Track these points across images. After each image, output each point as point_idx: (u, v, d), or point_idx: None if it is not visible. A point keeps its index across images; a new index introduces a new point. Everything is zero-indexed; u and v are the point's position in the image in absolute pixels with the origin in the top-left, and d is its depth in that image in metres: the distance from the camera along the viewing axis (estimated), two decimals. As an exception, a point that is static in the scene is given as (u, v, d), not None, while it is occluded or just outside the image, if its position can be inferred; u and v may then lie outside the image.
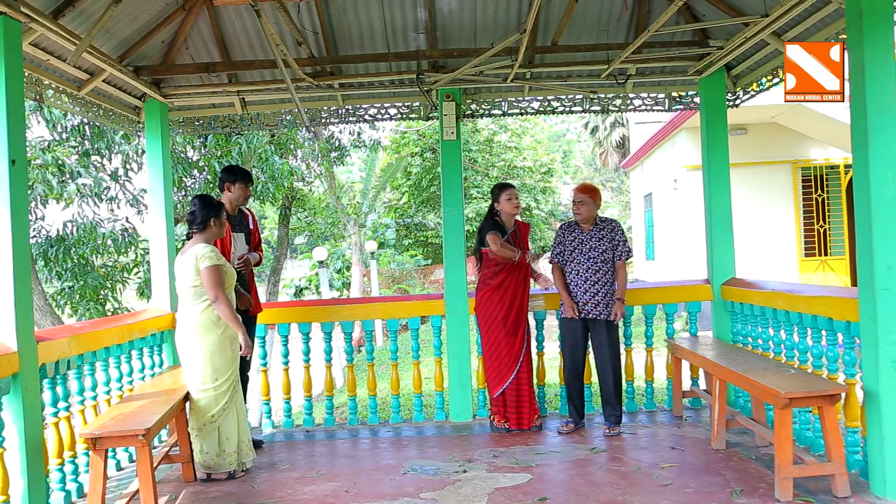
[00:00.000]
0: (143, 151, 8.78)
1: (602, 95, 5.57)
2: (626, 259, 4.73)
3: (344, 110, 5.67)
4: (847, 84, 3.46)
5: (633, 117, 20.19)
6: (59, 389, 3.69)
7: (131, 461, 4.42)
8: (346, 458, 4.49)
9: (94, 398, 4.12)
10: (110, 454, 3.92)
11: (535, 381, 4.98)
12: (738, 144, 11.15)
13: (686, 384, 5.24)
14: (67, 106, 4.60)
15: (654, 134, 15.36)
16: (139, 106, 5.28)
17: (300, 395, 5.44)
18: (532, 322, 5.04)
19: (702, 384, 5.15)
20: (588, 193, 4.69)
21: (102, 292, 9.81)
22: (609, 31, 5.11)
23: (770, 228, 12.73)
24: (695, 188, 12.03)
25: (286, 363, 5.24)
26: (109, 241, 9.72)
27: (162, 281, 5.12)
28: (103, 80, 4.68)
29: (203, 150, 11.21)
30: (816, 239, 12.95)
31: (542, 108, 5.63)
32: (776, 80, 4.90)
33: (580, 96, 5.56)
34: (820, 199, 12.97)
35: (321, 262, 17.97)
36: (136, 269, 10.50)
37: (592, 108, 5.67)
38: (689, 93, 5.58)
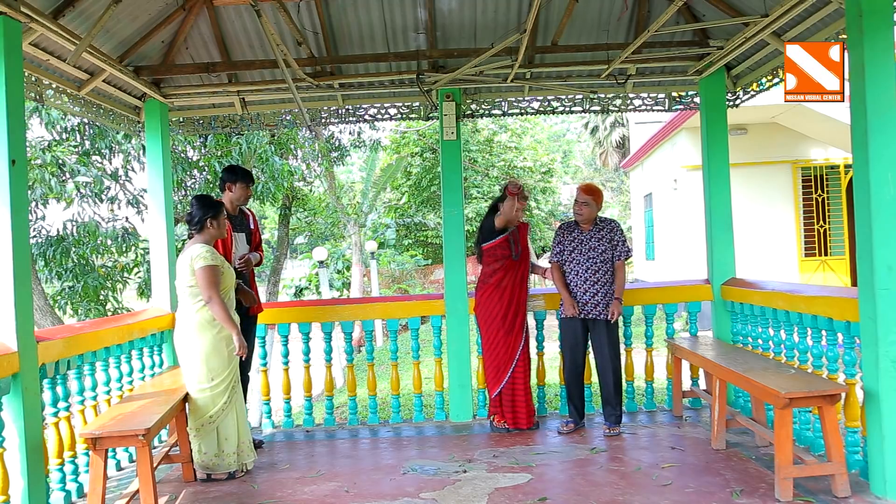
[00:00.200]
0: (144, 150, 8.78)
1: (602, 95, 5.57)
2: (626, 259, 4.73)
3: (344, 110, 5.66)
4: (847, 84, 3.45)
5: (633, 117, 20.19)
6: (59, 389, 3.69)
7: (131, 461, 4.42)
8: (346, 458, 4.50)
9: (94, 398, 4.13)
10: (110, 454, 3.92)
11: (533, 381, 4.98)
12: (738, 144, 11.15)
13: (686, 384, 5.24)
14: (67, 106, 4.60)
15: (654, 134, 15.36)
16: (139, 106, 5.28)
17: (300, 395, 5.44)
18: (532, 322, 5.04)
19: (702, 384, 5.15)
20: (592, 195, 4.69)
21: (102, 292, 9.82)
22: (609, 31, 5.11)
23: (770, 228, 12.73)
24: (695, 188, 12.03)
25: (286, 363, 5.24)
26: (109, 241, 9.73)
27: (162, 281, 5.12)
28: (103, 80, 4.68)
29: (203, 150, 11.22)
30: (816, 239, 12.95)
31: (542, 108, 5.63)
32: (776, 80, 4.90)
33: (580, 96, 5.56)
34: (820, 199, 12.97)
35: (321, 262, 17.96)
36: (136, 269, 10.50)
37: (592, 108, 5.67)
38: (689, 93, 5.58)
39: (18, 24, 3.35)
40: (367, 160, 23.60)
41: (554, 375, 5.69)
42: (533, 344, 5.02)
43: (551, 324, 5.34)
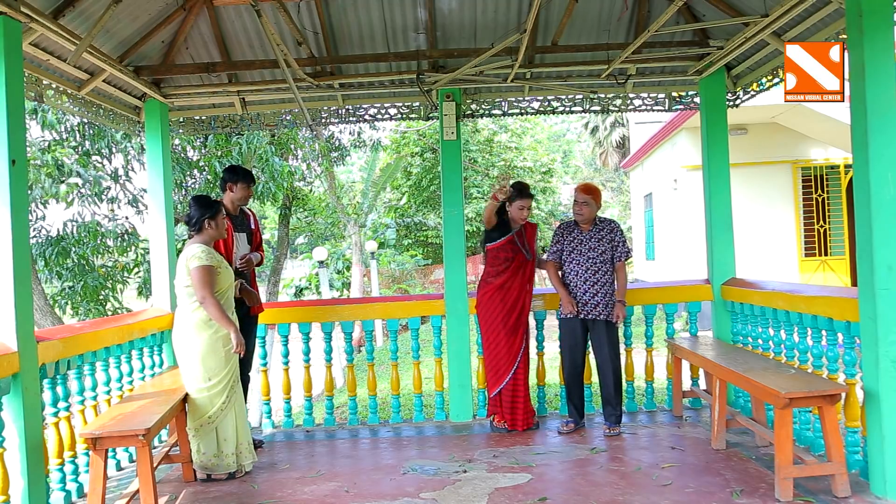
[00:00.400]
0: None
1: (602, 95, 5.57)
2: (626, 259, 4.73)
3: (344, 110, 5.67)
4: (847, 84, 3.45)
5: (633, 117, 20.19)
6: (59, 389, 3.69)
7: (131, 461, 4.42)
8: (346, 458, 4.50)
9: (94, 398, 4.13)
10: (110, 454, 3.92)
11: (533, 381, 4.98)
12: (738, 144, 11.14)
13: (686, 384, 5.24)
14: (67, 106, 4.60)
15: (654, 134, 15.36)
16: (139, 106, 5.28)
17: (300, 395, 5.44)
18: (532, 322, 5.03)
19: (702, 384, 5.15)
20: (591, 195, 4.69)
21: (102, 292, 9.83)
22: (609, 31, 5.11)
23: (770, 228, 12.73)
24: (695, 188, 12.03)
25: (286, 363, 5.24)
26: (109, 242, 9.73)
27: (162, 281, 5.12)
28: (103, 80, 4.68)
29: (203, 150, 11.22)
30: (816, 239, 12.95)
31: (542, 108, 5.63)
32: (776, 80, 4.90)
33: (580, 96, 5.56)
34: (820, 199, 12.97)
35: (321, 262, 17.96)
36: (136, 269, 10.51)
37: (592, 108, 5.67)
38: (689, 93, 5.58)
39: (18, 24, 3.35)
40: (368, 160, 23.61)
41: (554, 375, 5.69)
42: (533, 344, 5.02)
43: (551, 324, 5.34)
